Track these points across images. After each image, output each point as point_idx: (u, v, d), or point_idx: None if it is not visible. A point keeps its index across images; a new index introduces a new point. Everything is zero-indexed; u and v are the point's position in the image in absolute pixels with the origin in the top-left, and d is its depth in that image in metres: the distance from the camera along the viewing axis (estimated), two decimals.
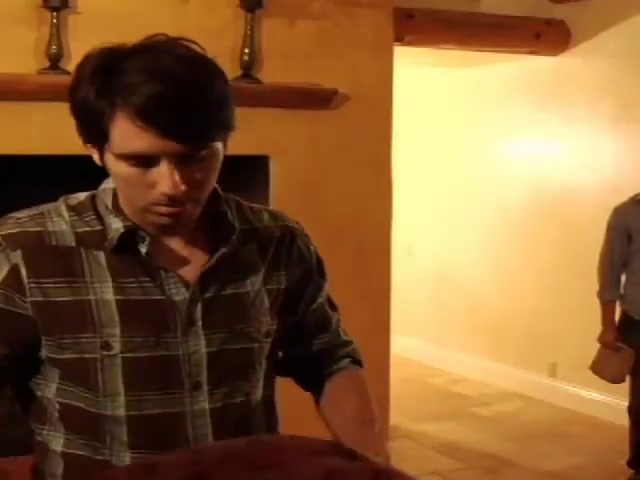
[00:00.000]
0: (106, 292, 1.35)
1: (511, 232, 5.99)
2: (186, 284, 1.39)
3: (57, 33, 3.92)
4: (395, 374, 5.07)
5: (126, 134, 1.25)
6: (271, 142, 4.51)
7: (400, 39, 4.89)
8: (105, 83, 1.26)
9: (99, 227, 1.38)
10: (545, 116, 5.70)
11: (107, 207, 1.39)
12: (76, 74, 1.31)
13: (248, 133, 4.45)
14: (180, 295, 1.38)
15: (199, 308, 1.39)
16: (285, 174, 4.56)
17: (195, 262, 1.41)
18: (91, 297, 1.34)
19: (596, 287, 4.23)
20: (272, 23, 4.45)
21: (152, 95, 1.23)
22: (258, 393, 1.47)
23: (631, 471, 4.27)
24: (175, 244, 1.41)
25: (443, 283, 6.52)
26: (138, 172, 1.29)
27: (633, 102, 5.16)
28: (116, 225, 1.37)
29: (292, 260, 1.52)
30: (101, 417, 1.37)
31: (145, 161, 1.28)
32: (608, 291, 4.19)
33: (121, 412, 1.36)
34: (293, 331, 1.54)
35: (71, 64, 4.03)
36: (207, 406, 1.39)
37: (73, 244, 1.36)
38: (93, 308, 1.34)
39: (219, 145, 1.33)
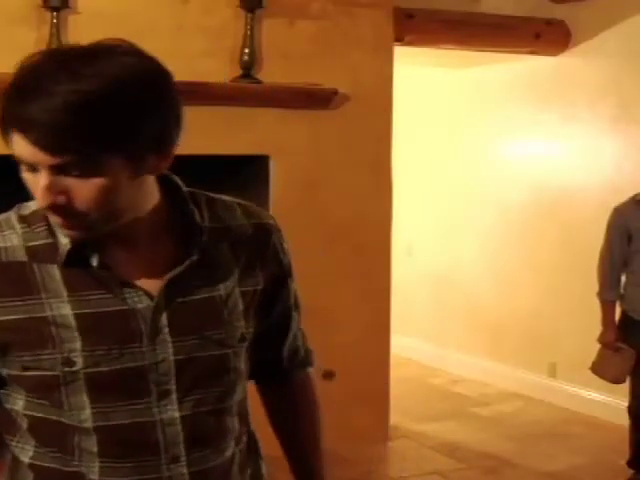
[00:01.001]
0: (63, 307, 1.31)
1: (511, 232, 5.99)
2: (149, 292, 1.33)
3: (57, 33, 3.92)
4: (395, 374, 5.07)
5: (13, 139, 1.24)
6: (271, 142, 4.51)
7: (400, 39, 4.89)
8: (14, 84, 1.24)
9: (50, 239, 1.33)
10: (545, 116, 5.70)
11: None
12: None
13: (248, 133, 4.47)
14: (143, 303, 1.33)
15: (165, 315, 1.34)
16: (285, 174, 4.56)
17: (160, 267, 1.35)
18: (48, 313, 1.30)
19: (596, 287, 4.23)
20: (272, 23, 4.45)
21: (26, 101, 1.20)
22: (234, 398, 1.43)
23: (631, 471, 4.27)
24: (136, 250, 1.35)
25: (443, 283, 6.52)
26: (31, 178, 1.26)
27: (633, 102, 5.16)
28: (64, 240, 1.31)
29: (267, 259, 1.46)
30: (70, 429, 1.34)
31: (29, 167, 1.25)
32: (608, 291, 4.19)
33: (89, 424, 1.33)
34: (264, 332, 1.50)
35: None
36: (177, 414, 1.35)
37: (25, 259, 1.31)
38: (51, 324, 1.30)
39: (111, 160, 1.23)
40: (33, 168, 1.24)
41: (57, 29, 3.92)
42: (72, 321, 1.30)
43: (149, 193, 1.33)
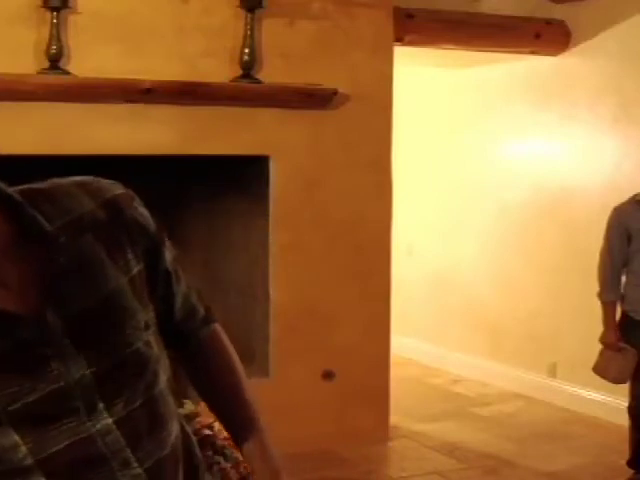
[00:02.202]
0: None
1: (511, 232, 5.99)
2: (35, 316, 1.24)
3: (57, 33, 3.92)
4: (395, 374, 5.07)
5: None
6: (271, 142, 4.51)
7: (400, 39, 4.89)
8: None
9: None
10: (545, 116, 5.70)
11: None
12: None
13: (248, 133, 4.47)
14: (32, 329, 1.24)
15: (61, 333, 1.26)
16: (285, 174, 4.56)
17: (35, 286, 1.25)
18: None
19: (596, 287, 4.23)
20: (272, 23, 4.45)
21: None
22: (161, 382, 1.38)
23: (631, 471, 4.27)
24: (4, 278, 1.24)
25: (443, 283, 6.52)
26: None
27: (633, 102, 5.16)
28: None
29: (133, 236, 1.35)
30: (9, 473, 1.28)
31: None
32: (608, 292, 4.18)
33: (29, 461, 1.27)
34: (155, 304, 1.42)
35: (71, 64, 4.03)
36: (110, 420, 1.30)
37: None
38: None
39: None
40: None
41: (57, 29, 3.92)
42: None
43: None
